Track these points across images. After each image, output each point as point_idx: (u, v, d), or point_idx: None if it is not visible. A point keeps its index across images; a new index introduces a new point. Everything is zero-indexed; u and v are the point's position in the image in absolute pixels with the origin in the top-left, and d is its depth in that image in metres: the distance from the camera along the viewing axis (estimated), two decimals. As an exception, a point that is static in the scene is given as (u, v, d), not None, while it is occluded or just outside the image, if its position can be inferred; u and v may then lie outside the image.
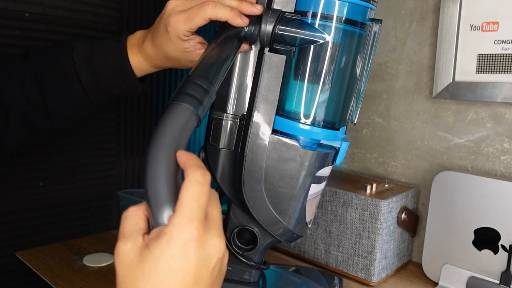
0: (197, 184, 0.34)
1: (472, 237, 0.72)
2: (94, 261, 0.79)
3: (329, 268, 0.80)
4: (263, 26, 0.49)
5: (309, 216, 0.58)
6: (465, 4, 0.78)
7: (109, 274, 0.75)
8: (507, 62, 0.74)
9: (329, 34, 0.51)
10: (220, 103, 0.53)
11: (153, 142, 0.37)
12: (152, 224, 0.36)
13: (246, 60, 0.53)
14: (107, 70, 0.59)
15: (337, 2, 0.50)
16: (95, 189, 0.93)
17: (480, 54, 0.77)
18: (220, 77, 0.45)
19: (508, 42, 0.74)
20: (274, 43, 0.50)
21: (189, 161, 0.36)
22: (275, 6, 0.50)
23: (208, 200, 0.35)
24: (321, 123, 0.54)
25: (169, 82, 1.03)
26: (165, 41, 0.54)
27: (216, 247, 0.35)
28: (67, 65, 0.58)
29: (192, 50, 0.55)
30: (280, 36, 0.49)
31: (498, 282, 0.69)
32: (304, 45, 0.51)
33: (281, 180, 0.53)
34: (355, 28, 0.53)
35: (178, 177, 0.37)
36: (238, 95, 0.53)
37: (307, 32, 0.49)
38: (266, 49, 0.50)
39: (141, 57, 0.59)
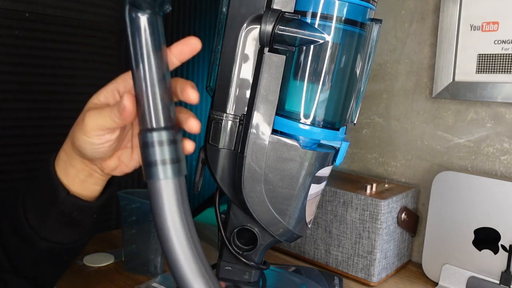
0: None
1: (472, 237, 0.72)
2: (94, 261, 0.79)
3: (329, 268, 0.80)
4: (263, 26, 0.49)
5: (309, 216, 0.58)
6: (465, 4, 0.78)
7: (109, 274, 0.75)
8: (507, 62, 0.74)
9: (329, 34, 0.51)
10: (220, 103, 0.53)
11: (165, 233, 0.38)
12: None
13: (246, 60, 0.52)
14: (40, 190, 0.52)
15: (337, 2, 0.50)
16: (95, 189, 0.93)
17: (480, 54, 0.77)
18: (170, 100, 0.40)
19: (508, 42, 0.74)
20: (273, 43, 0.50)
21: None
22: (275, 6, 0.50)
23: None
24: (321, 123, 0.54)
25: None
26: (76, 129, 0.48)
27: None
28: (20, 216, 0.52)
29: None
30: (279, 36, 0.49)
31: (498, 282, 0.69)
32: (304, 45, 0.51)
33: (281, 180, 0.53)
34: (355, 28, 0.53)
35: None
36: (237, 95, 0.52)
37: (307, 32, 0.49)
38: (266, 49, 0.50)
39: (67, 161, 0.51)
